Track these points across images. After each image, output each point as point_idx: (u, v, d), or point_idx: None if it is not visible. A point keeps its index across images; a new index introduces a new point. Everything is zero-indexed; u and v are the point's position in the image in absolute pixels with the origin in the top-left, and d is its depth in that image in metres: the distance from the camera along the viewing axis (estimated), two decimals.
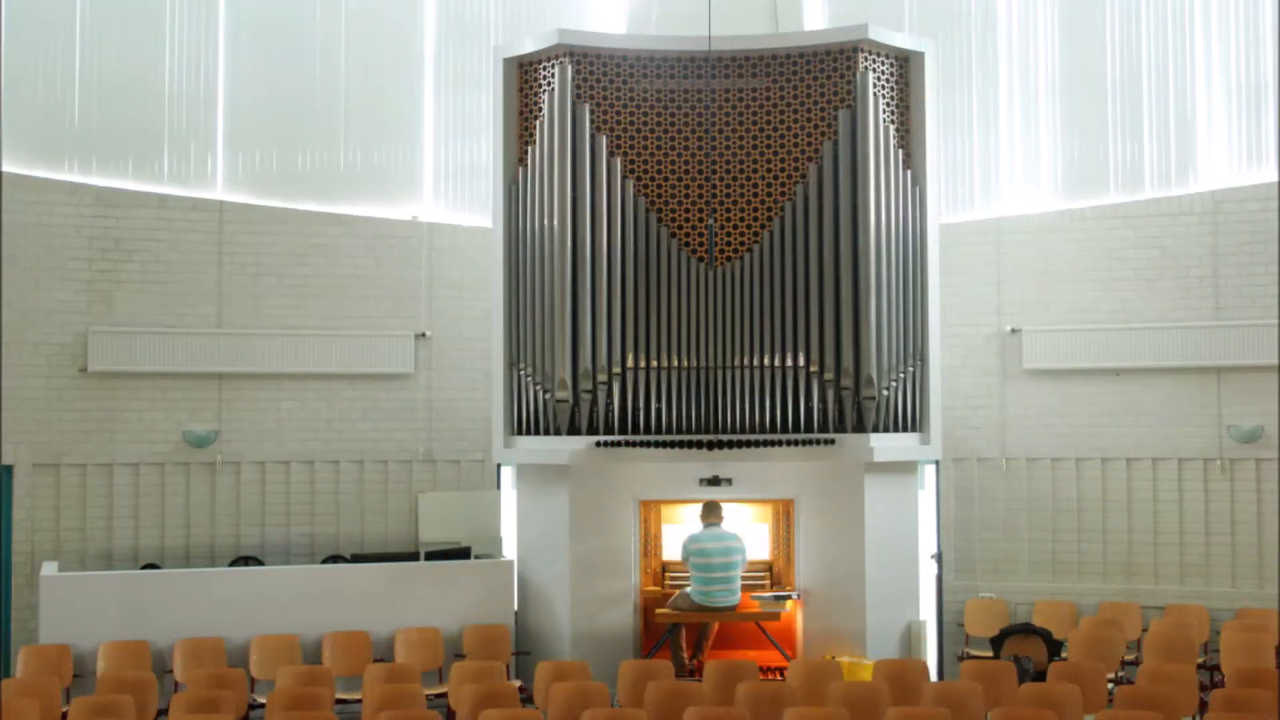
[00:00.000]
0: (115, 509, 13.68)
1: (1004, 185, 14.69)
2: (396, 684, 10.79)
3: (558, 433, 12.79)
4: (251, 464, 14.13)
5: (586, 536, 13.11)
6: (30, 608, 13.04)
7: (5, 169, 13.22)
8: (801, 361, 12.77)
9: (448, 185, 14.90)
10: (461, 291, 14.72)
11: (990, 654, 12.09)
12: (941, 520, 14.50)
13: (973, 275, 14.52)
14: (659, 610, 12.95)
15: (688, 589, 12.81)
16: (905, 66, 13.39)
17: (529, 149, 13.27)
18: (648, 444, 12.59)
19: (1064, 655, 12.13)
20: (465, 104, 14.90)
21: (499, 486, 14.62)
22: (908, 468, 13.36)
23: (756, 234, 13.10)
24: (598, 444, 12.66)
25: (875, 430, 12.66)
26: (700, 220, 13.13)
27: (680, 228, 13.15)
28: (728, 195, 13.15)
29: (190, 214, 14.06)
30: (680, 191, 13.20)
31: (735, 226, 13.14)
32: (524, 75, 13.42)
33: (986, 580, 14.39)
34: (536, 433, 12.95)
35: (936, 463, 14.27)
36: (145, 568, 13.38)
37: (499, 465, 14.49)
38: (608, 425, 12.72)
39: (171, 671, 12.03)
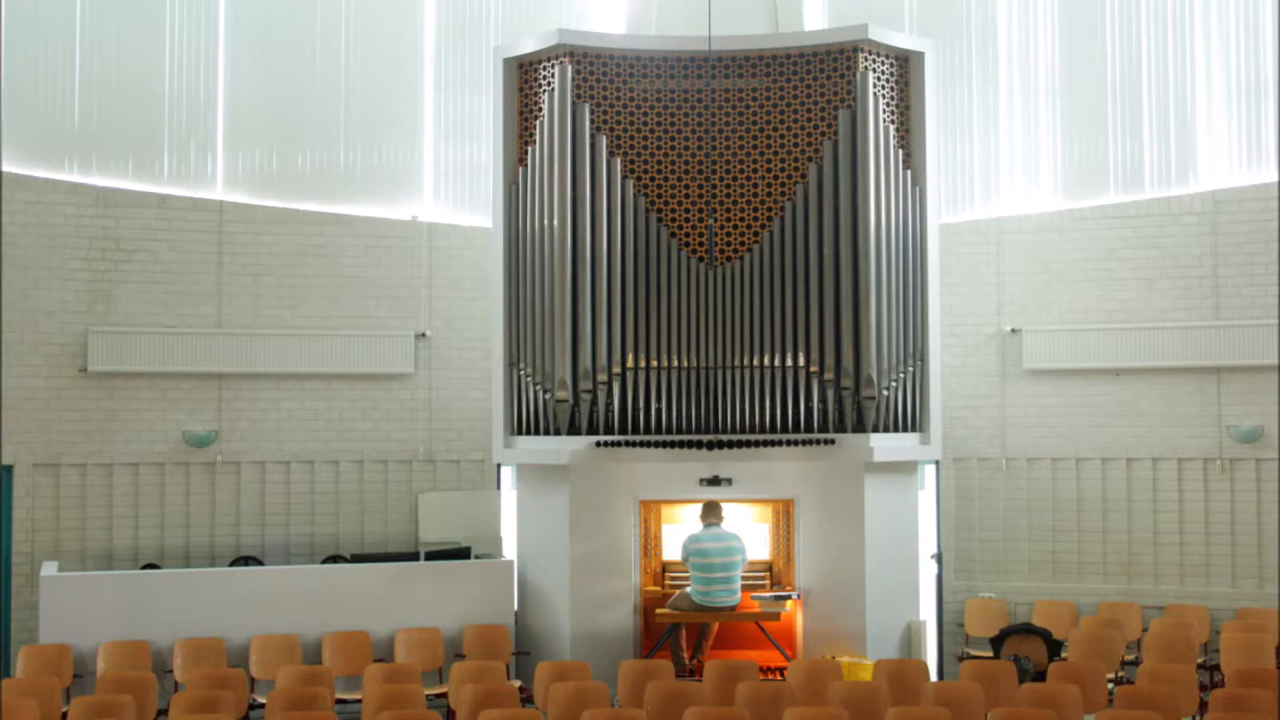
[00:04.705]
0: (115, 509, 13.68)
1: (1004, 185, 14.69)
2: (396, 684, 10.78)
3: (558, 433, 12.79)
4: (251, 464, 14.13)
5: (586, 536, 13.11)
6: (30, 608, 13.04)
7: (5, 169, 13.21)
8: (801, 361, 12.77)
9: (448, 185, 14.91)
10: (461, 291, 14.72)
11: (990, 654, 12.09)
12: (941, 520, 14.50)
13: (972, 275, 14.52)
14: (659, 610, 12.95)
15: (688, 589, 12.81)
16: (905, 66, 13.39)
17: (529, 149, 13.27)
18: (648, 444, 12.59)
19: (1064, 655, 12.13)
20: (465, 104, 14.90)
21: (499, 486, 14.62)
22: (908, 468, 13.36)
23: (756, 234, 13.10)
24: (598, 444, 12.66)
25: (875, 430, 12.66)
26: (700, 220, 13.13)
27: (680, 228, 13.15)
28: (728, 195, 13.15)
29: (190, 214, 14.06)
30: (680, 191, 13.20)
31: (735, 226, 13.14)
32: (524, 75, 13.42)
33: (986, 580, 14.39)
34: (536, 433, 12.95)
35: (936, 463, 14.27)
36: (145, 568, 13.37)
37: (499, 465, 14.50)
38: (608, 425, 12.72)
39: (171, 671, 12.03)
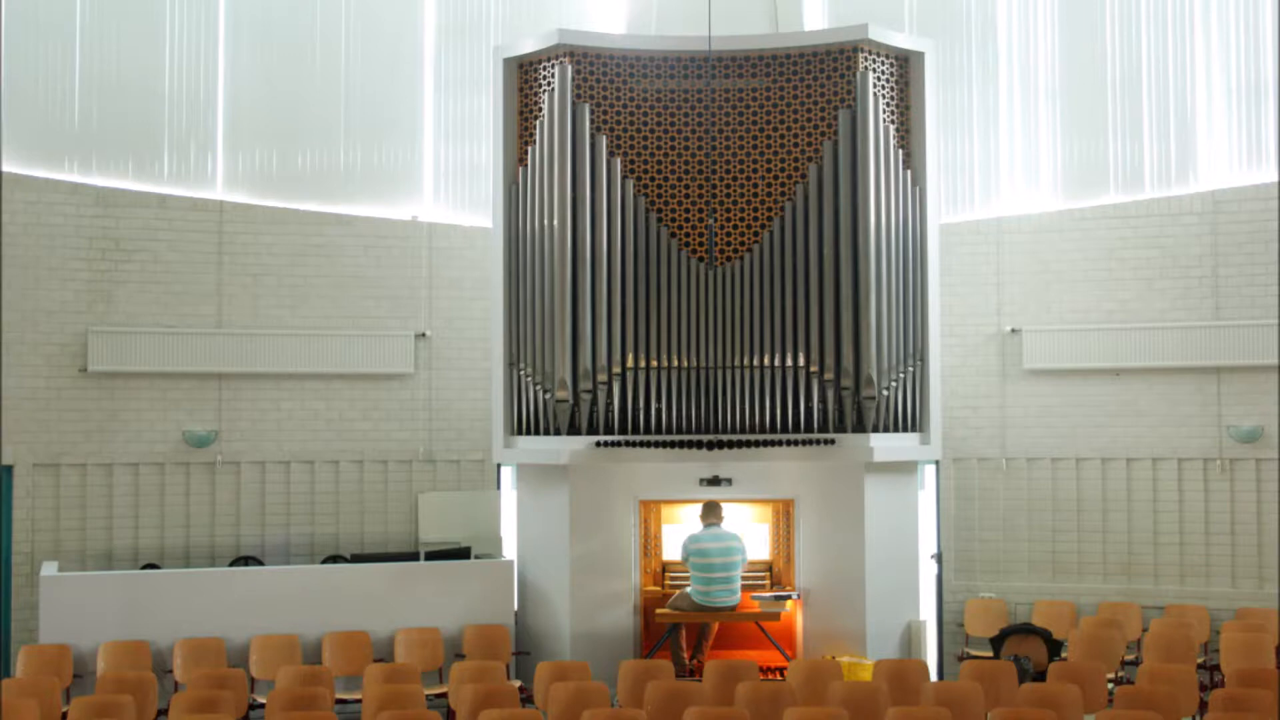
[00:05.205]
0: (115, 509, 13.68)
1: (1004, 185, 14.69)
2: (396, 684, 10.78)
3: (558, 433, 12.79)
4: (251, 464, 14.13)
5: (586, 536, 13.11)
6: (30, 608, 13.04)
7: (5, 169, 13.21)
8: (801, 361, 12.77)
9: (448, 185, 14.91)
10: (461, 291, 14.73)
11: (990, 654, 12.10)
12: (941, 520, 14.50)
13: (973, 275, 14.52)
14: (659, 610, 12.95)
15: (688, 589, 12.81)
16: (905, 66, 13.39)
17: (529, 149, 13.27)
18: (648, 444, 12.59)
19: (1064, 655, 12.13)
20: (465, 104, 14.91)
21: (499, 486, 14.62)
22: (908, 468, 13.36)
23: (756, 234, 13.10)
24: (598, 444, 12.66)
25: (875, 430, 12.66)
26: (700, 220, 13.13)
27: (680, 228, 13.15)
28: (728, 195, 13.15)
29: (190, 214, 14.06)
30: (680, 191, 13.20)
31: (735, 226, 13.14)
32: (524, 75, 13.42)
33: (986, 580, 14.39)
34: (536, 433, 12.95)
35: (936, 463, 14.27)
36: (145, 568, 13.37)
37: (499, 465, 14.50)
38: (608, 425, 12.72)
39: (171, 671, 12.03)
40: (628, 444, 12.64)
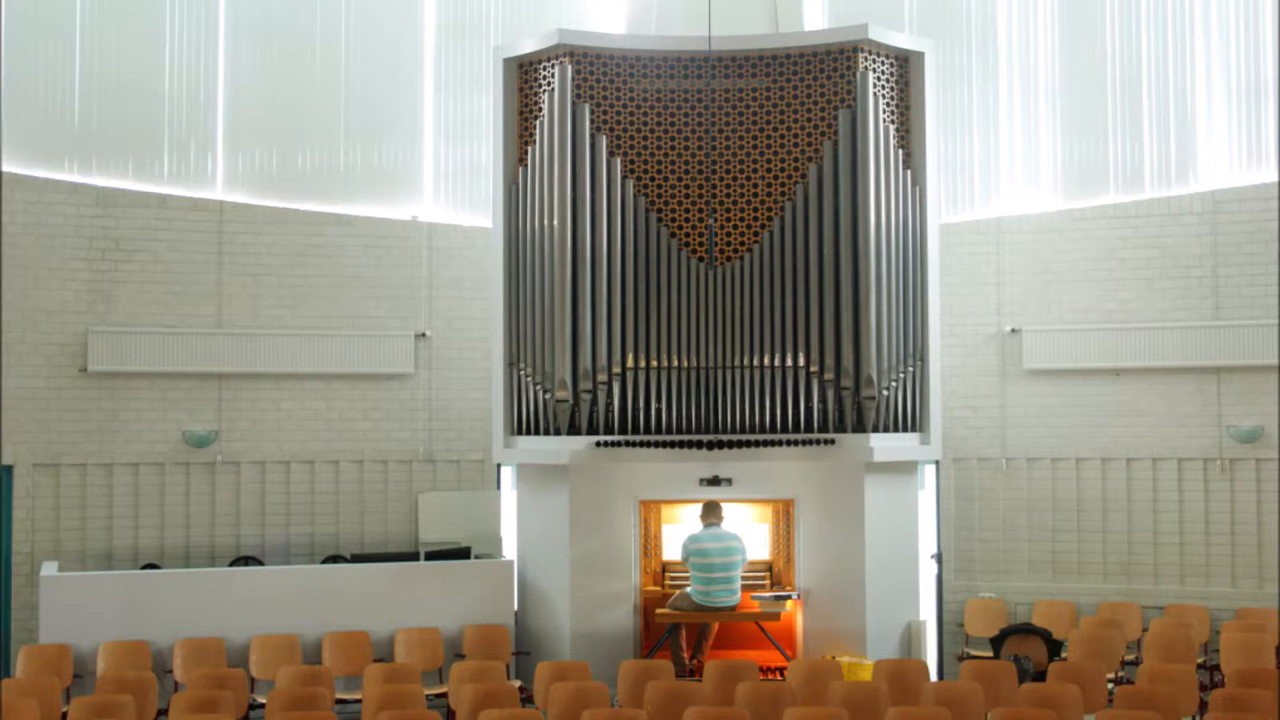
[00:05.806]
0: (115, 509, 13.68)
1: (1004, 185, 14.69)
2: (396, 684, 10.79)
3: (558, 433, 12.79)
4: (251, 464, 14.13)
5: (586, 536, 13.11)
6: (30, 608, 13.04)
7: (5, 169, 13.21)
8: (801, 361, 12.77)
9: (448, 185, 14.91)
10: (461, 291, 14.73)
11: (990, 654, 12.10)
12: (941, 520, 14.50)
13: (973, 275, 14.52)
14: (659, 610, 12.95)
15: (688, 589, 12.81)
16: (905, 66, 13.39)
17: (529, 149, 13.28)
18: (648, 444, 12.59)
19: (1064, 655, 12.14)
20: (465, 104, 14.91)
21: (499, 486, 14.62)
22: (908, 468, 13.36)
23: (756, 234, 13.10)
24: (598, 444, 12.66)
25: (875, 430, 12.66)
26: (700, 220, 13.13)
27: (680, 228, 13.15)
28: (728, 195, 13.15)
29: (190, 214, 14.06)
30: (680, 191, 13.20)
31: (735, 226, 13.14)
32: (524, 75, 13.42)
33: (986, 580, 14.39)
34: (536, 433, 12.95)
35: (936, 463, 14.28)
36: (145, 568, 13.37)
37: (499, 465, 14.50)
38: (608, 425, 12.72)
39: (171, 671, 12.04)
40: (628, 444, 12.64)
